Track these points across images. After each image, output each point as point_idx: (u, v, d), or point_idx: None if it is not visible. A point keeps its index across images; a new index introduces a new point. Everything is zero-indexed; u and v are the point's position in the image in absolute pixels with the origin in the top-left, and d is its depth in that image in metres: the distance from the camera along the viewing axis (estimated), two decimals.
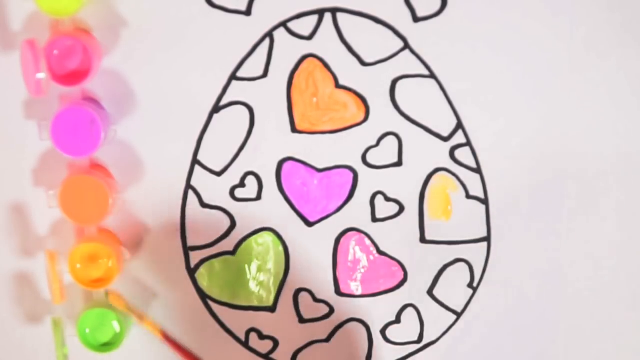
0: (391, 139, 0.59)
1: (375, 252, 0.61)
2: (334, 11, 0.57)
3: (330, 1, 0.57)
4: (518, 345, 0.63)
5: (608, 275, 0.62)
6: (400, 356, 0.63)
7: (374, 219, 0.61)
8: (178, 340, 0.59)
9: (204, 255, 0.61)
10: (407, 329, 0.63)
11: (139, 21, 0.57)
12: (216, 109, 0.58)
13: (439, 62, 0.58)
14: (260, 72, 0.58)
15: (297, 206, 0.60)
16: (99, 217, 0.58)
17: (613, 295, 0.62)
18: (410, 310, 0.62)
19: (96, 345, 0.60)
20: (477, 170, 0.60)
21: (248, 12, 0.57)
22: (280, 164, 0.60)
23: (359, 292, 0.62)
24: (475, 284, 0.62)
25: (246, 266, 0.61)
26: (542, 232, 0.61)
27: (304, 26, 0.57)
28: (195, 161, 0.59)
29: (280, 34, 0.57)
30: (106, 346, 0.60)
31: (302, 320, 0.62)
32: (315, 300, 0.62)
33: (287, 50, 0.58)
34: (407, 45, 0.58)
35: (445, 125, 0.59)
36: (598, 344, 0.62)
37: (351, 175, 0.60)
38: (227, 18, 0.57)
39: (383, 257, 0.61)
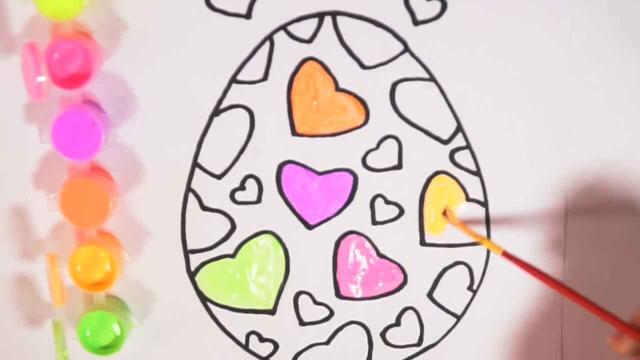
0: (391, 142, 0.59)
1: (375, 254, 0.61)
2: (334, 14, 0.57)
3: (331, 4, 0.57)
4: (517, 347, 0.63)
5: (609, 276, 0.62)
6: (400, 359, 0.63)
7: (374, 222, 0.61)
8: (519, 257, 0.57)
9: (204, 258, 0.61)
10: (407, 332, 0.63)
11: (139, 24, 0.57)
12: (216, 112, 0.59)
13: (439, 65, 0.58)
14: (261, 75, 0.58)
15: (297, 209, 0.60)
16: (99, 220, 0.58)
17: (614, 296, 0.62)
18: (410, 312, 0.62)
19: (96, 348, 0.60)
20: (477, 173, 0.60)
21: (248, 16, 0.57)
22: (281, 167, 0.60)
23: (359, 295, 0.62)
24: (475, 287, 0.62)
25: (246, 269, 0.61)
26: (541, 234, 0.61)
27: (304, 29, 0.57)
28: (195, 164, 0.59)
29: (280, 37, 0.57)
30: (106, 349, 0.60)
31: (302, 323, 0.62)
32: (315, 303, 0.62)
33: (287, 53, 0.58)
34: (407, 49, 0.58)
35: (445, 128, 0.59)
36: (598, 345, 0.62)
37: (351, 178, 0.60)
38: (227, 21, 0.57)
39: (383, 260, 0.61)
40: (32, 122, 0.58)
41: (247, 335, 0.63)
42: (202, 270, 0.61)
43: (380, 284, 0.62)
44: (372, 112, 0.59)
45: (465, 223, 0.60)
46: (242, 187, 0.60)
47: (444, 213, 0.60)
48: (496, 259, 0.61)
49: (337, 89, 0.58)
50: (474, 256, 0.61)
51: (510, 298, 0.62)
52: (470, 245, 0.61)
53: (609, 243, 0.61)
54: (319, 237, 0.61)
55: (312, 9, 0.57)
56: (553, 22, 0.58)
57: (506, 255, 0.57)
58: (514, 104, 0.59)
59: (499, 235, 0.61)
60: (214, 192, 0.60)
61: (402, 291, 0.62)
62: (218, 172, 0.60)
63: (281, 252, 0.61)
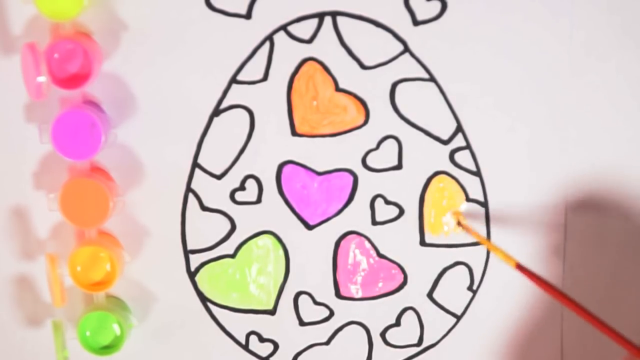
0: (391, 142, 0.59)
1: (375, 255, 0.61)
2: (334, 14, 0.57)
3: (331, 4, 0.57)
4: (517, 348, 0.63)
5: (608, 276, 0.61)
6: (400, 359, 0.63)
7: (374, 222, 0.61)
8: (533, 270, 0.55)
9: (204, 258, 0.61)
10: (407, 332, 0.63)
11: (139, 24, 0.57)
12: (216, 112, 0.59)
13: (439, 65, 0.58)
14: (261, 76, 0.58)
15: (297, 209, 0.60)
16: (99, 220, 0.58)
17: (613, 296, 0.62)
18: (410, 313, 0.62)
19: (97, 348, 0.60)
20: (477, 173, 0.60)
21: (248, 16, 0.57)
22: (281, 167, 0.60)
23: (359, 295, 0.62)
24: (475, 287, 0.62)
25: (246, 269, 0.61)
26: (541, 235, 0.61)
27: (304, 29, 0.57)
28: (195, 164, 0.59)
29: (280, 37, 0.57)
30: (107, 349, 0.60)
31: (302, 323, 0.62)
32: (316, 303, 0.62)
33: (287, 53, 0.58)
34: (406, 49, 0.58)
35: (445, 128, 0.59)
36: (598, 346, 0.62)
37: (351, 178, 0.60)
38: (227, 21, 0.57)
39: (383, 260, 0.61)
40: (32, 122, 0.58)
41: (247, 336, 0.63)
42: (202, 271, 0.61)
43: (380, 284, 0.62)
44: (372, 112, 0.59)
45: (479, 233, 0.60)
46: (242, 187, 0.60)
47: (459, 223, 0.60)
48: (496, 259, 0.61)
49: (337, 89, 0.58)
50: (474, 256, 0.61)
51: (510, 298, 0.62)
52: (470, 245, 0.61)
53: (609, 243, 0.61)
54: (319, 238, 0.61)
55: (312, 9, 0.57)
56: (553, 22, 0.58)
57: (520, 267, 0.57)
58: (514, 104, 0.59)
59: (499, 235, 0.61)
60: (214, 193, 0.60)
61: (402, 291, 0.62)
62: (218, 172, 0.60)
63: (281, 252, 0.61)
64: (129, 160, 0.59)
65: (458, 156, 0.60)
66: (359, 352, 0.63)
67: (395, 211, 0.61)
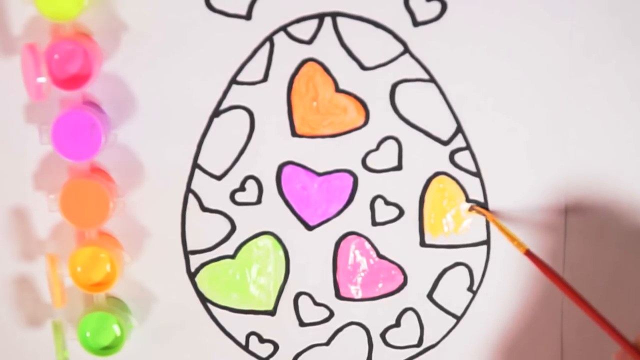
0: (391, 143, 0.59)
1: (375, 255, 0.61)
2: (334, 15, 0.57)
3: (331, 5, 0.57)
4: (517, 348, 0.63)
5: (608, 276, 0.61)
6: None
7: (374, 223, 0.61)
8: (541, 259, 0.58)
9: (204, 259, 0.61)
10: (407, 333, 0.63)
11: (139, 25, 0.57)
12: (216, 113, 0.59)
13: (439, 66, 0.58)
14: (261, 76, 0.58)
15: (297, 210, 0.60)
16: (99, 221, 0.58)
17: (613, 296, 0.62)
18: (410, 313, 0.62)
19: (97, 349, 0.60)
20: (477, 173, 0.60)
21: (248, 17, 0.57)
22: (281, 168, 0.60)
23: (359, 296, 0.62)
24: (474, 288, 0.62)
25: (246, 270, 0.61)
26: (541, 235, 0.61)
27: (304, 30, 0.57)
28: (195, 165, 0.59)
29: (280, 38, 0.58)
30: (107, 349, 0.60)
31: (302, 323, 0.62)
32: (315, 303, 0.62)
33: (287, 54, 0.58)
34: (406, 50, 0.58)
35: (445, 129, 0.59)
36: (598, 346, 0.62)
37: (351, 179, 0.60)
38: (228, 22, 0.57)
39: (383, 261, 0.61)
40: (32, 123, 0.58)
41: (247, 336, 0.63)
42: (202, 271, 0.61)
43: (380, 285, 0.62)
44: (372, 113, 0.59)
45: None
46: (242, 188, 0.60)
47: (472, 208, 0.60)
48: (496, 260, 0.61)
49: (337, 89, 0.58)
50: (474, 257, 0.61)
51: (510, 298, 0.62)
52: (470, 246, 0.61)
53: (609, 243, 0.61)
54: (319, 238, 0.61)
55: (312, 10, 0.57)
56: (553, 23, 0.58)
57: (528, 254, 0.57)
58: (514, 105, 0.59)
59: (498, 236, 0.61)
60: (214, 193, 0.60)
61: (402, 292, 0.62)
62: (218, 173, 0.60)
63: (281, 253, 0.61)
64: (129, 160, 0.59)
65: (458, 157, 0.60)
66: (359, 353, 0.63)
67: (395, 212, 0.61)
